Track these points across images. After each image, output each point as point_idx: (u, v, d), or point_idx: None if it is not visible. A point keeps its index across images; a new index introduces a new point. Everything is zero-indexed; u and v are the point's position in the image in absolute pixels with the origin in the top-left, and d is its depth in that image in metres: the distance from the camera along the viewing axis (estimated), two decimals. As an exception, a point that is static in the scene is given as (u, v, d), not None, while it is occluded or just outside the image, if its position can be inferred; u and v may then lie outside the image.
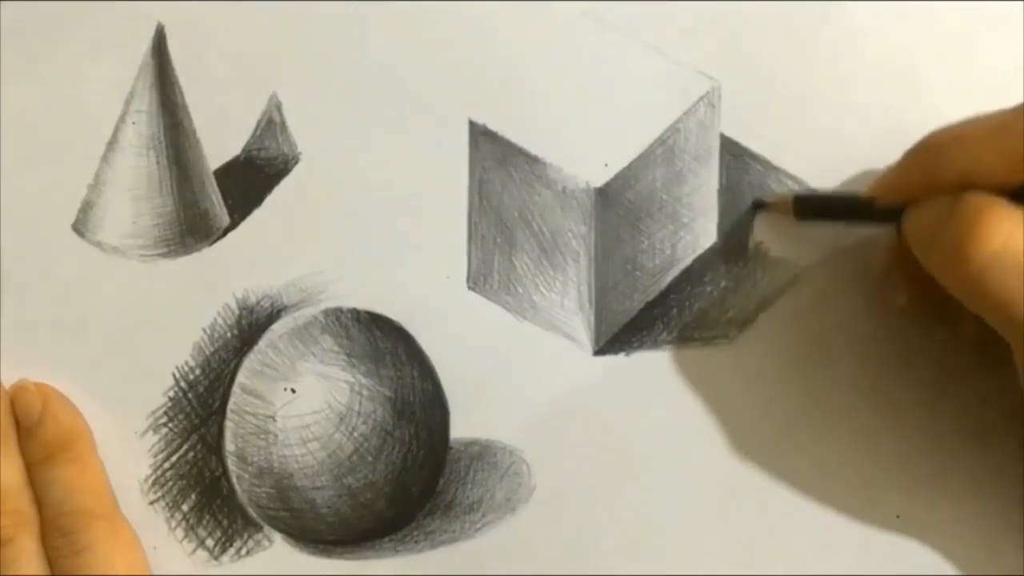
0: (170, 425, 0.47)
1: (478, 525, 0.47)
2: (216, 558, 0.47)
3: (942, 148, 0.42)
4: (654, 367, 0.48)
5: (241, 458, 0.46)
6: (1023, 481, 0.46)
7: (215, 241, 0.49)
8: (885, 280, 0.47)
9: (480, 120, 0.47)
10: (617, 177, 0.46)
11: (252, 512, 0.47)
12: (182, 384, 0.48)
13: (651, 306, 0.49)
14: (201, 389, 0.48)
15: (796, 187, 0.49)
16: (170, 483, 0.47)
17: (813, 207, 0.47)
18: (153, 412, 0.47)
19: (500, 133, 0.47)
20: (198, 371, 0.48)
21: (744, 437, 0.48)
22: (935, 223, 0.41)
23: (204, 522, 0.47)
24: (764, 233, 0.48)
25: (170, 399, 0.48)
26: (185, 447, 0.47)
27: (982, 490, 0.47)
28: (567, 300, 0.48)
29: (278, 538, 0.47)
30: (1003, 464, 0.46)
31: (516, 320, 0.48)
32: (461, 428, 0.48)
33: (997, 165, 0.40)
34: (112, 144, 0.48)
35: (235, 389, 0.46)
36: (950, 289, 0.41)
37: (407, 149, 0.49)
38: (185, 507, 0.47)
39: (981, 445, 0.47)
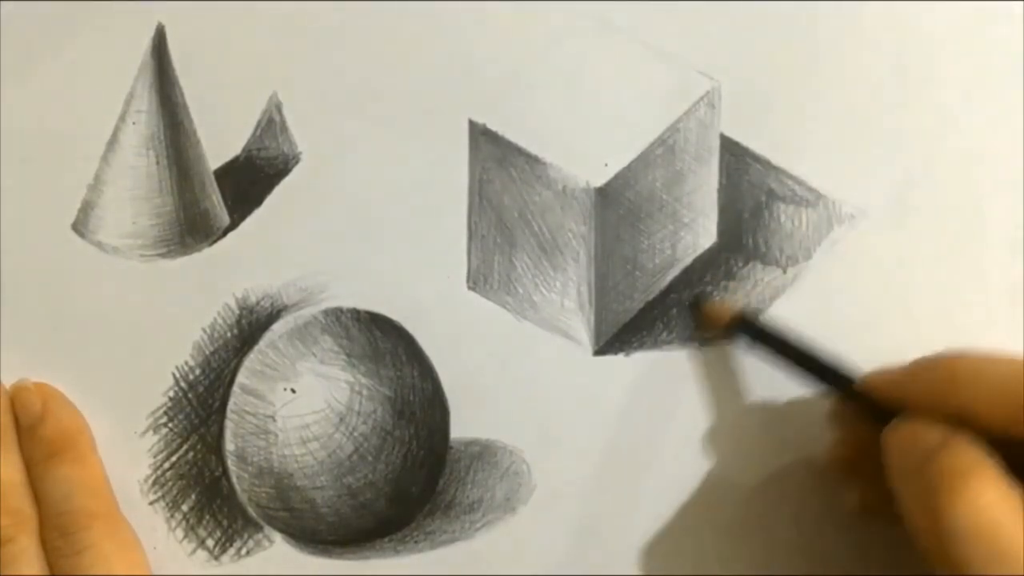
0: (170, 425, 0.47)
1: (478, 525, 0.47)
2: (216, 558, 0.47)
3: (955, 375, 0.41)
4: (654, 367, 0.48)
5: (241, 458, 0.46)
6: None
7: (215, 241, 0.49)
8: (838, 473, 0.47)
9: (480, 120, 0.47)
10: (617, 177, 0.46)
11: (252, 512, 0.47)
12: (182, 384, 0.48)
13: (651, 306, 0.49)
14: (201, 389, 0.47)
15: (796, 188, 0.49)
16: (170, 483, 0.47)
17: (760, 338, 0.46)
18: (153, 412, 0.47)
19: (500, 133, 0.47)
20: (198, 371, 0.48)
21: (744, 437, 0.48)
22: (921, 456, 0.40)
23: (204, 522, 0.47)
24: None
25: (170, 399, 0.48)
26: (185, 447, 0.47)
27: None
28: (567, 300, 0.48)
29: (278, 538, 0.47)
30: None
31: (516, 320, 0.48)
32: (461, 428, 0.48)
33: (999, 414, 0.40)
34: (112, 144, 0.48)
35: (235, 389, 0.46)
36: (911, 522, 0.40)
37: (407, 149, 0.49)
38: (185, 507, 0.47)
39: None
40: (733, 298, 0.48)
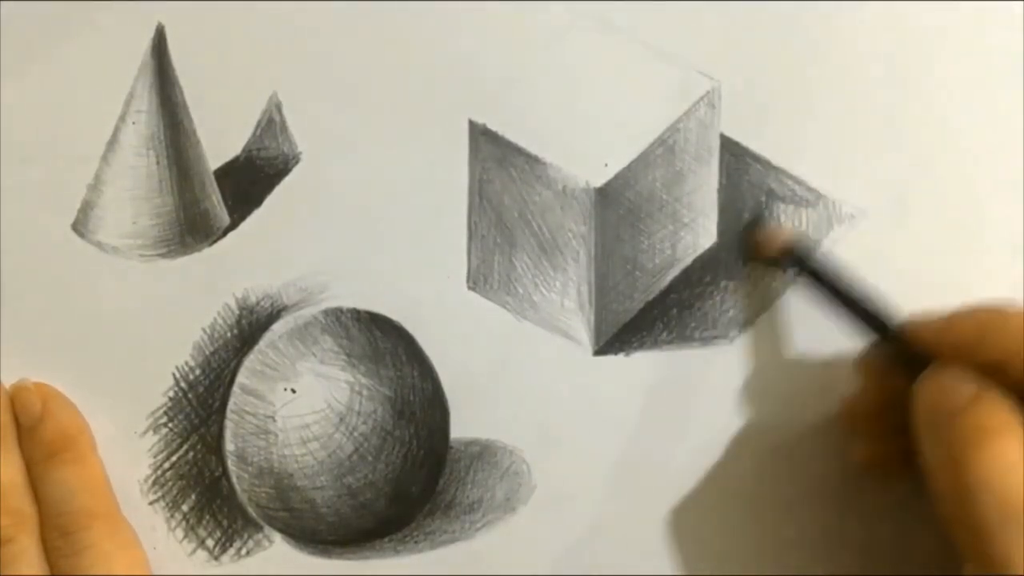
0: (170, 425, 0.47)
1: (478, 525, 0.47)
2: (216, 558, 0.47)
3: (990, 327, 0.41)
4: (654, 367, 0.48)
5: (241, 458, 0.46)
6: None
7: (215, 241, 0.49)
8: (849, 426, 0.47)
9: (480, 120, 0.47)
10: (617, 177, 0.46)
11: (252, 512, 0.47)
12: (182, 384, 0.48)
13: (651, 306, 0.49)
14: (201, 389, 0.47)
15: (796, 188, 0.49)
16: (170, 483, 0.47)
17: (814, 273, 0.46)
18: (153, 412, 0.47)
19: (500, 133, 0.47)
20: (198, 371, 0.48)
21: (744, 437, 0.48)
22: (952, 408, 0.40)
23: (204, 522, 0.47)
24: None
25: (170, 399, 0.48)
26: (185, 447, 0.47)
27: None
28: (567, 300, 0.48)
29: (278, 538, 0.47)
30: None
31: (516, 320, 0.48)
32: (461, 428, 0.48)
33: None
34: (112, 144, 0.48)
35: (235, 389, 0.46)
36: (932, 475, 0.40)
37: (407, 149, 0.49)
38: (185, 507, 0.47)
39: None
40: (729, 315, 0.48)
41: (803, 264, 0.47)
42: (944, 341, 0.42)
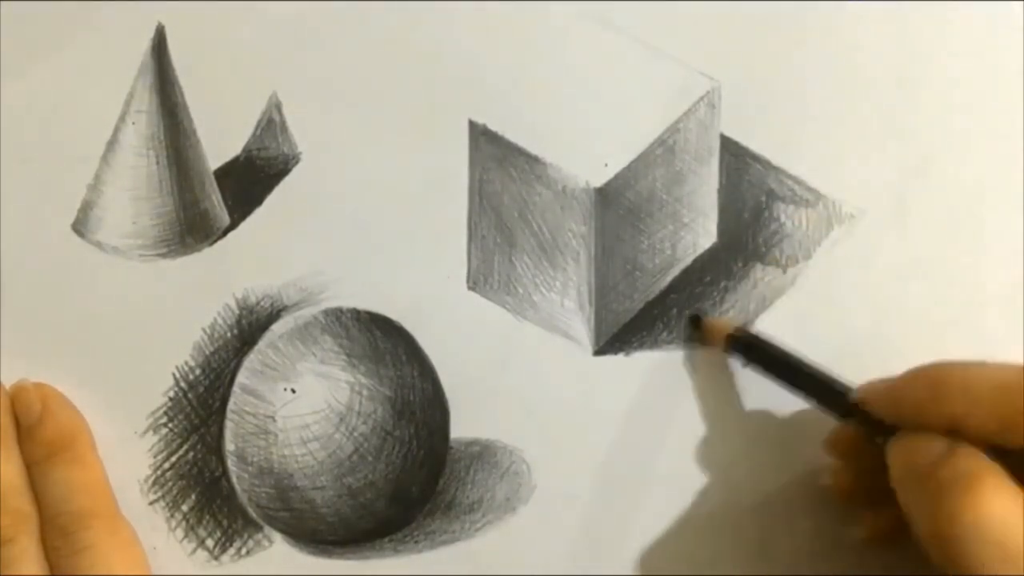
0: (170, 425, 0.47)
1: (478, 525, 0.47)
2: (216, 558, 0.47)
3: (945, 387, 0.41)
4: (654, 367, 0.48)
5: (241, 458, 0.46)
6: None
7: (215, 241, 0.49)
8: (843, 501, 0.47)
9: (480, 120, 0.47)
10: (617, 177, 0.46)
11: (252, 512, 0.47)
12: (182, 384, 0.48)
13: (651, 306, 0.49)
14: (201, 389, 0.47)
15: (796, 188, 0.49)
16: (170, 483, 0.47)
17: (755, 354, 0.46)
18: (153, 412, 0.47)
19: (500, 133, 0.47)
20: (198, 371, 0.48)
21: (744, 437, 0.48)
22: (926, 466, 0.40)
23: (204, 522, 0.47)
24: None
25: (170, 399, 0.48)
26: (185, 447, 0.47)
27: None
28: (567, 300, 0.48)
29: (278, 538, 0.47)
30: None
31: (516, 320, 0.48)
32: (461, 428, 0.48)
33: (992, 424, 0.40)
34: (112, 144, 0.48)
35: (235, 389, 0.46)
36: (920, 532, 0.40)
37: (407, 149, 0.49)
38: (185, 507, 0.47)
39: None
40: (729, 315, 0.48)
41: (748, 352, 0.46)
42: (902, 404, 0.42)
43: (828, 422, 0.47)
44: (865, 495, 0.45)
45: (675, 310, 0.49)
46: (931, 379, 0.42)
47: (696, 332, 0.48)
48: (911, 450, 0.41)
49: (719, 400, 0.48)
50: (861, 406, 0.44)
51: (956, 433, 0.40)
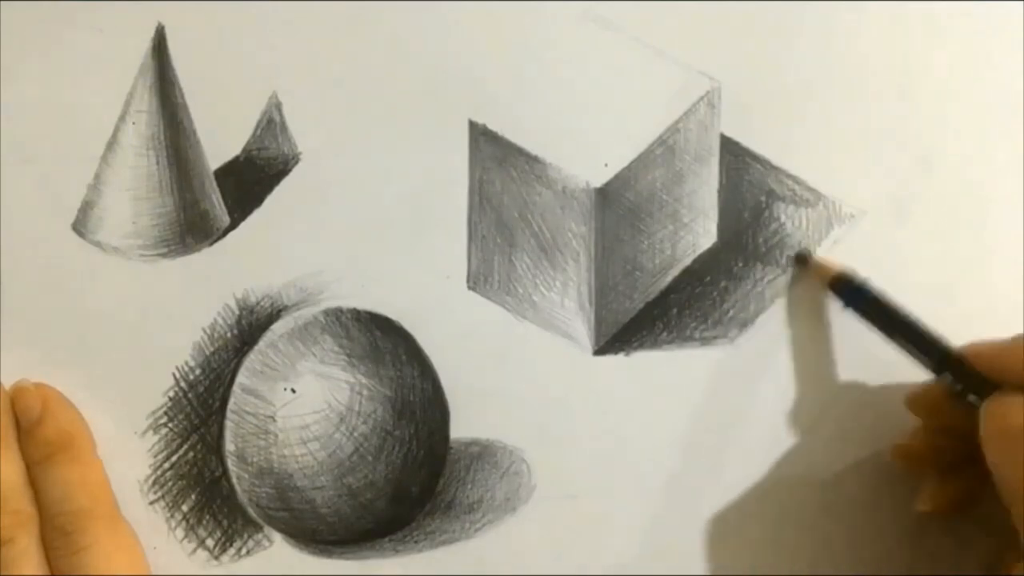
0: (170, 425, 0.47)
1: (478, 525, 0.47)
2: (216, 558, 0.47)
3: None
4: (654, 367, 0.48)
5: (241, 458, 0.46)
6: None
7: (215, 241, 0.49)
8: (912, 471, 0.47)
9: (480, 120, 0.47)
10: (617, 177, 0.46)
11: (252, 512, 0.47)
12: (182, 384, 0.48)
13: (651, 306, 0.49)
14: (201, 389, 0.47)
15: (796, 188, 0.49)
16: (170, 483, 0.47)
17: (861, 300, 0.46)
18: (153, 412, 0.47)
19: (500, 133, 0.47)
20: (198, 371, 0.48)
21: (744, 437, 0.48)
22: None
23: (204, 522, 0.47)
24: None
25: (170, 399, 0.48)
26: (185, 447, 0.47)
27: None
28: (567, 300, 0.48)
29: (278, 538, 0.47)
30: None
31: (516, 320, 0.48)
32: (461, 428, 0.48)
33: None
34: (112, 144, 0.48)
35: (235, 389, 0.46)
36: (1008, 491, 0.41)
37: (407, 149, 0.49)
38: (185, 507, 0.47)
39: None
40: (729, 315, 0.48)
41: (854, 298, 0.46)
42: (1006, 365, 0.42)
43: (831, 416, 0.47)
44: (934, 461, 0.45)
45: (675, 310, 0.49)
46: None
47: (802, 269, 0.48)
48: (1009, 409, 0.41)
49: (719, 400, 0.48)
50: (964, 364, 0.44)
51: None
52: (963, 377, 0.44)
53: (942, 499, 0.46)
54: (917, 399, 0.46)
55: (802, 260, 0.48)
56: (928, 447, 0.46)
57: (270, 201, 0.49)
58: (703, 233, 0.49)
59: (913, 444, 0.46)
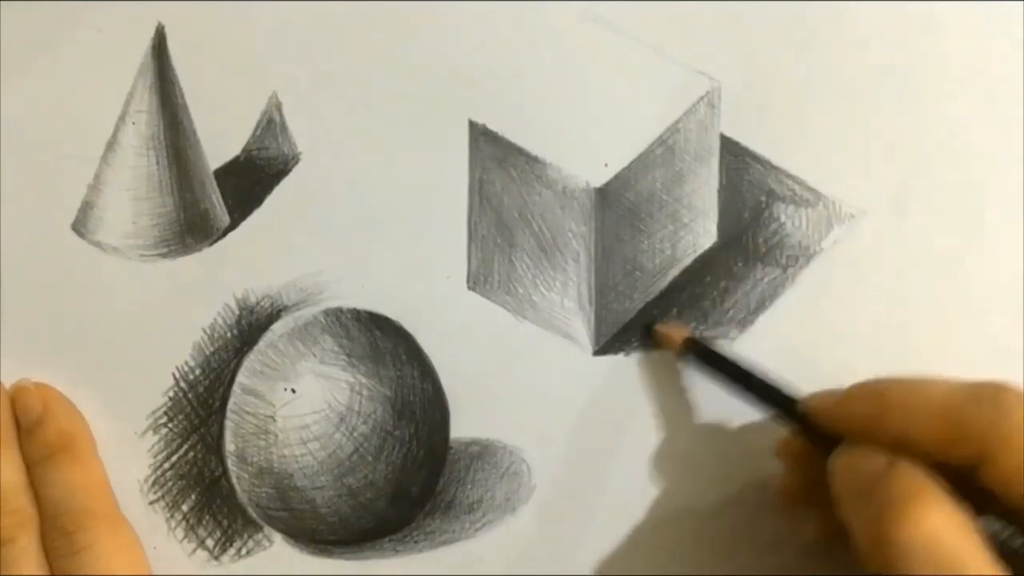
0: (170, 425, 0.47)
1: (478, 525, 0.47)
2: (216, 558, 0.47)
3: (887, 404, 0.41)
4: (654, 367, 0.48)
5: (241, 458, 0.46)
6: None
7: (215, 241, 0.49)
8: (793, 502, 0.47)
9: (480, 120, 0.47)
10: (617, 177, 0.46)
11: (252, 512, 0.47)
12: (182, 384, 0.48)
13: (651, 306, 0.49)
14: (201, 389, 0.47)
15: (796, 188, 0.49)
16: (170, 483, 0.47)
17: (708, 357, 0.46)
18: (153, 412, 0.47)
19: (500, 133, 0.47)
20: (198, 371, 0.48)
21: (744, 437, 0.47)
22: (866, 482, 0.40)
23: (204, 522, 0.47)
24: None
25: (170, 399, 0.48)
26: (185, 447, 0.47)
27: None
28: (567, 300, 0.48)
29: (278, 538, 0.47)
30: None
31: (516, 320, 0.48)
32: (461, 428, 0.48)
33: (934, 438, 0.40)
34: (112, 144, 0.48)
35: (235, 389, 0.46)
36: (859, 547, 0.40)
37: (407, 149, 0.49)
38: (185, 507, 0.47)
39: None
40: (729, 315, 0.48)
41: (702, 357, 0.46)
42: (847, 418, 0.42)
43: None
44: (814, 500, 0.45)
45: (675, 310, 0.49)
46: (874, 394, 0.42)
47: (651, 340, 0.48)
48: (852, 465, 0.41)
49: (719, 400, 0.48)
50: (807, 417, 0.44)
51: (900, 447, 0.40)
52: (808, 431, 0.44)
53: (825, 530, 0.45)
54: (781, 448, 0.46)
55: (648, 331, 0.48)
56: (801, 488, 0.45)
57: (270, 201, 0.49)
58: (703, 233, 0.49)
59: (787, 487, 0.46)
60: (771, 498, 0.47)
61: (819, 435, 0.43)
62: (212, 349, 0.48)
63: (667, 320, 0.48)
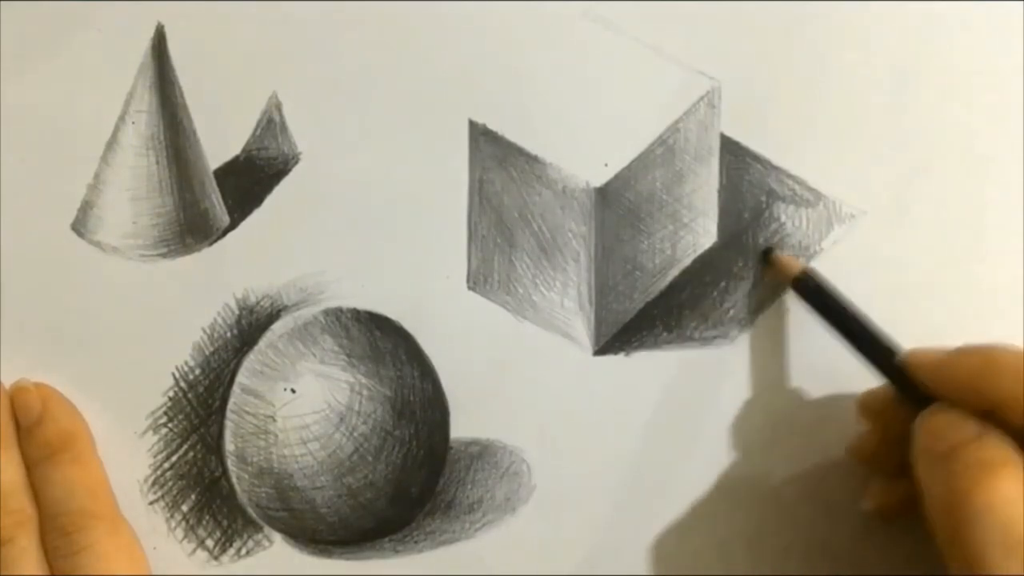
0: (170, 425, 0.47)
1: (478, 525, 0.47)
2: (216, 558, 0.47)
3: (994, 369, 0.41)
4: (654, 367, 0.48)
5: (241, 458, 0.46)
6: None
7: (215, 241, 0.49)
8: (860, 464, 0.47)
9: (480, 120, 0.47)
10: (617, 177, 0.46)
11: (252, 512, 0.47)
12: (182, 384, 0.48)
13: (651, 306, 0.49)
14: (201, 389, 0.47)
15: (796, 188, 0.49)
16: (170, 483, 0.47)
17: (818, 299, 0.47)
18: (153, 412, 0.47)
19: (500, 133, 0.47)
20: (198, 371, 0.48)
21: (744, 437, 0.48)
22: (953, 443, 0.41)
23: (204, 522, 0.47)
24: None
25: (170, 399, 0.48)
26: (185, 447, 0.47)
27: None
28: (567, 300, 0.48)
29: (278, 538, 0.47)
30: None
31: (516, 320, 0.48)
32: (461, 428, 0.48)
33: None
34: (112, 144, 0.48)
35: (235, 389, 0.46)
36: (930, 509, 0.41)
37: (407, 149, 0.49)
38: (185, 507, 0.47)
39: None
40: (729, 315, 0.48)
41: (812, 295, 0.46)
42: (944, 379, 0.42)
43: (831, 416, 0.47)
44: (883, 463, 0.45)
45: (675, 310, 0.49)
46: (983, 358, 0.42)
47: (767, 267, 0.48)
48: (942, 426, 0.41)
49: (719, 400, 0.48)
50: (906, 369, 0.44)
51: (992, 415, 0.41)
52: (903, 385, 0.44)
53: (885, 500, 0.46)
54: (866, 402, 0.46)
55: (767, 256, 0.48)
56: (876, 448, 0.46)
57: (270, 201, 0.49)
58: (703, 233, 0.49)
59: (863, 443, 0.46)
60: (771, 496, 0.47)
61: (913, 392, 0.43)
62: (212, 349, 0.48)
63: (780, 254, 0.48)
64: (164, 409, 0.47)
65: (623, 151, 0.46)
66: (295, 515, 0.46)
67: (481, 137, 0.47)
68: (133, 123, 0.48)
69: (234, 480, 0.46)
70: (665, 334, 0.48)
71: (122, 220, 0.48)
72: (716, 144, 0.49)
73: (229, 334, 0.48)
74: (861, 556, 0.47)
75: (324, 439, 0.45)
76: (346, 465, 0.45)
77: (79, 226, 0.48)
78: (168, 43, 0.48)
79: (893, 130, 0.49)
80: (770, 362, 0.48)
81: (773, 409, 0.48)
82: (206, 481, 0.47)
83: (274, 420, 0.45)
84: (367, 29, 0.49)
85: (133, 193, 0.48)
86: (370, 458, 0.45)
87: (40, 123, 0.49)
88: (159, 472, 0.47)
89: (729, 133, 0.49)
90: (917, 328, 0.48)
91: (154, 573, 0.46)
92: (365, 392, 0.45)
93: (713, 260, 0.49)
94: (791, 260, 0.48)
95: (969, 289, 0.48)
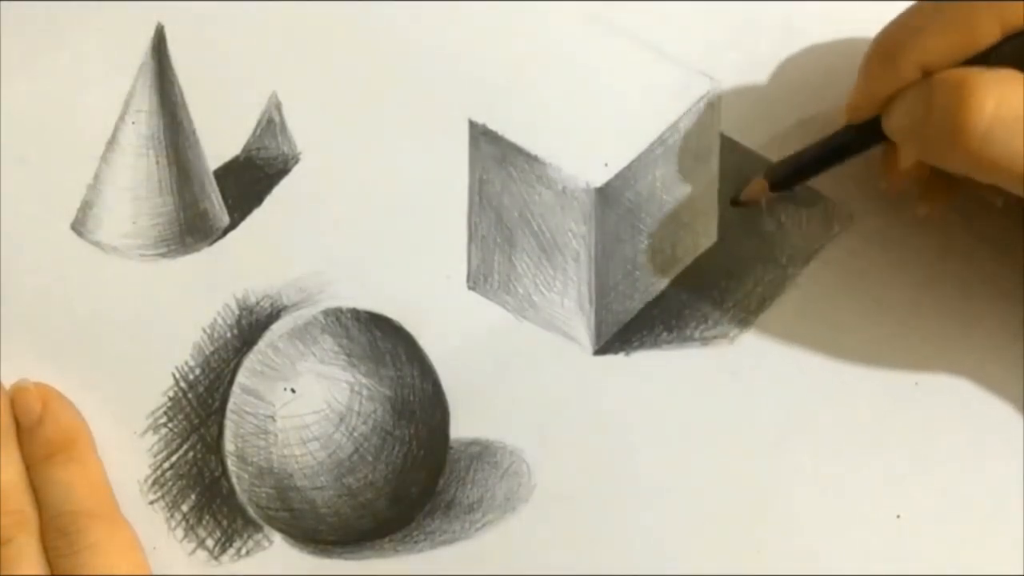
0: (170, 425, 0.47)
1: (478, 525, 0.47)
2: (216, 558, 0.47)
3: (896, 48, 0.42)
4: (654, 367, 0.48)
5: (241, 458, 0.46)
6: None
7: (215, 241, 0.49)
8: (901, 196, 0.47)
9: (480, 120, 0.47)
10: (617, 177, 0.46)
11: (252, 512, 0.47)
12: (182, 384, 0.48)
13: (651, 306, 0.49)
14: (201, 389, 0.48)
15: (796, 188, 0.49)
16: (170, 483, 0.47)
17: (788, 172, 0.47)
18: (153, 412, 0.47)
19: (500, 133, 0.47)
20: (198, 371, 0.48)
21: (744, 437, 0.48)
22: (920, 110, 0.41)
23: (204, 522, 0.47)
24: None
25: (170, 399, 0.48)
26: (185, 447, 0.47)
27: (978, 487, 0.47)
28: (567, 300, 0.48)
29: (278, 538, 0.47)
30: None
31: (516, 320, 0.48)
32: (461, 428, 0.48)
33: (953, 44, 0.41)
34: (112, 144, 0.48)
35: (235, 389, 0.46)
36: (956, 168, 0.41)
37: (407, 149, 0.49)
38: (185, 507, 0.47)
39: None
40: (730, 315, 0.48)
41: (786, 177, 0.47)
42: (875, 92, 0.44)
43: (832, 416, 0.47)
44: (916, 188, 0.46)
45: (675, 310, 0.49)
46: (881, 54, 0.43)
47: (740, 208, 0.49)
48: (900, 111, 0.42)
49: (719, 400, 0.48)
50: (852, 125, 0.45)
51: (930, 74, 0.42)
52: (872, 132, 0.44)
53: (931, 199, 0.46)
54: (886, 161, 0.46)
55: (737, 203, 0.49)
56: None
57: (270, 201, 0.49)
58: (703, 233, 0.49)
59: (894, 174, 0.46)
60: (773, 497, 0.47)
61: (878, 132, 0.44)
62: (212, 349, 0.48)
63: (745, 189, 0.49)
64: (164, 409, 0.48)
65: (623, 151, 0.46)
66: (295, 515, 0.46)
67: (481, 137, 0.47)
68: (133, 123, 0.48)
69: (234, 480, 0.46)
70: (665, 334, 0.48)
71: (122, 220, 0.48)
72: (716, 144, 0.49)
73: (229, 334, 0.48)
74: (864, 556, 0.47)
75: (324, 439, 0.45)
76: (346, 465, 0.45)
77: (79, 226, 0.48)
78: (168, 43, 0.48)
79: (893, 130, 0.49)
80: (770, 362, 0.48)
81: (773, 409, 0.48)
82: (206, 481, 0.47)
83: (274, 420, 0.45)
84: (367, 29, 0.49)
85: (133, 193, 0.48)
86: (370, 458, 0.45)
87: (40, 123, 0.49)
88: (159, 472, 0.47)
89: (729, 133, 0.49)
90: (917, 328, 0.48)
91: (154, 573, 0.46)
92: (365, 392, 0.45)
93: (713, 260, 0.49)
94: (755, 184, 0.48)
95: (969, 289, 0.48)
